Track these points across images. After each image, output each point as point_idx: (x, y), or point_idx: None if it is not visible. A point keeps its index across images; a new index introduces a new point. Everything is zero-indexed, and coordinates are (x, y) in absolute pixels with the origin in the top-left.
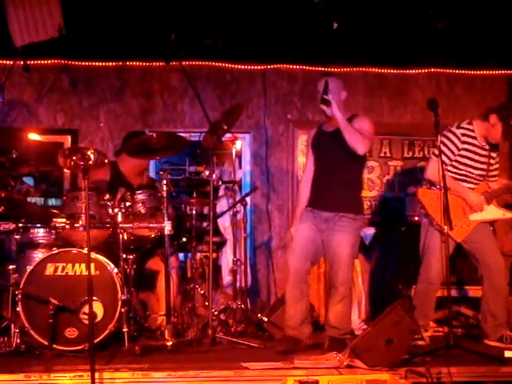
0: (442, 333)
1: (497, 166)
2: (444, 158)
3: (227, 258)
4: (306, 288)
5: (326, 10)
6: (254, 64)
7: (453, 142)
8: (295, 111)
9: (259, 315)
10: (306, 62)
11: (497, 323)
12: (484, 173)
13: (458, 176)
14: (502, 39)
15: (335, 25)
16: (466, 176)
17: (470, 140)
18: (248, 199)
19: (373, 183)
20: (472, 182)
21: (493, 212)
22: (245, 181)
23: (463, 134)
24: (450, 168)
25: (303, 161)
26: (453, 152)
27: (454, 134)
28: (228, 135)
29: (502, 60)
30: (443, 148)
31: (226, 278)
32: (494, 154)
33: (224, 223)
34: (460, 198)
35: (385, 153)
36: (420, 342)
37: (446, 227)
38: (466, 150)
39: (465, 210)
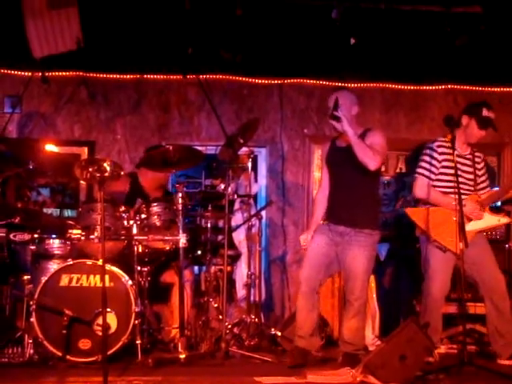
0: (456, 350)
1: (484, 177)
2: (428, 173)
3: (242, 271)
4: (318, 299)
5: (344, 25)
6: (271, 78)
7: (432, 156)
8: (312, 126)
9: (273, 329)
10: (323, 77)
11: (506, 342)
12: (471, 183)
13: (446, 189)
14: None
15: (353, 40)
16: (452, 188)
17: (447, 150)
18: (263, 213)
19: (388, 199)
20: (462, 194)
21: (488, 220)
22: (260, 195)
23: (439, 146)
24: (436, 183)
25: (319, 176)
26: (435, 166)
27: (431, 149)
28: (244, 149)
29: None
30: (425, 165)
31: (241, 292)
32: (479, 165)
33: (239, 237)
34: (450, 210)
35: (400, 168)
36: (430, 359)
37: (460, 244)
38: (446, 160)
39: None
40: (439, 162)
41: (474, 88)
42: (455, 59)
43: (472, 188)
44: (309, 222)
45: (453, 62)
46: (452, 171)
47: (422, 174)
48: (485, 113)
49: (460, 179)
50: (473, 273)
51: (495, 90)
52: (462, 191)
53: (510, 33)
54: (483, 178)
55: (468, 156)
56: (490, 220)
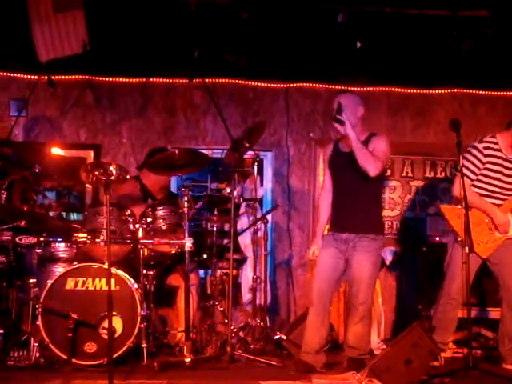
0: (462, 354)
1: None
2: (469, 173)
3: (247, 275)
4: (328, 317)
5: (350, 29)
6: (277, 82)
7: (476, 157)
8: (317, 130)
9: (278, 333)
10: (329, 81)
11: None
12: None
13: (484, 192)
14: None
15: (358, 44)
16: (492, 192)
17: (493, 153)
18: (269, 217)
19: (394, 203)
20: (499, 198)
21: None
22: (266, 199)
23: (486, 148)
24: (476, 183)
25: None
26: (477, 167)
27: (477, 149)
28: (250, 153)
29: None
30: (467, 164)
31: (246, 296)
32: None
33: (245, 241)
34: (485, 214)
35: (407, 172)
36: (435, 363)
37: (466, 248)
38: (490, 163)
39: (490, 227)
40: (483, 163)
41: (480, 92)
42: (461, 63)
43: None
44: (314, 228)
45: (459, 66)
46: (493, 175)
47: (464, 174)
48: None
49: (500, 183)
50: (497, 273)
51: (501, 94)
52: (501, 195)
53: None
54: None
55: None
56: None
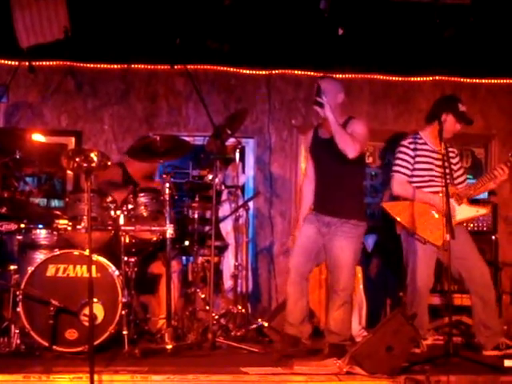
0: (442, 341)
1: (460, 172)
2: (403, 170)
3: (229, 262)
4: (307, 286)
5: (332, 16)
6: (259, 69)
7: (405, 153)
8: (299, 117)
9: (260, 320)
10: (311, 68)
11: (491, 333)
12: (447, 176)
13: (423, 184)
14: (507, 48)
15: (341, 31)
16: (430, 181)
17: (420, 146)
18: (250, 204)
19: (375, 190)
20: (438, 186)
21: (465, 211)
22: (248, 186)
23: (411, 143)
24: (414, 179)
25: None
26: (409, 162)
27: (404, 146)
28: (232, 140)
29: (507, 69)
30: (400, 162)
31: (228, 283)
32: (453, 160)
33: (226, 228)
34: (427, 204)
35: (388, 160)
36: (416, 350)
37: (447, 235)
38: (420, 155)
39: (437, 213)
40: (413, 157)
41: (462, 80)
42: (443, 51)
43: (448, 182)
44: (296, 215)
45: (441, 53)
46: (426, 166)
47: (399, 172)
48: (461, 107)
49: (435, 173)
50: (457, 266)
51: (483, 81)
52: (437, 186)
53: (498, 25)
54: (459, 173)
55: (440, 151)
56: (469, 211)
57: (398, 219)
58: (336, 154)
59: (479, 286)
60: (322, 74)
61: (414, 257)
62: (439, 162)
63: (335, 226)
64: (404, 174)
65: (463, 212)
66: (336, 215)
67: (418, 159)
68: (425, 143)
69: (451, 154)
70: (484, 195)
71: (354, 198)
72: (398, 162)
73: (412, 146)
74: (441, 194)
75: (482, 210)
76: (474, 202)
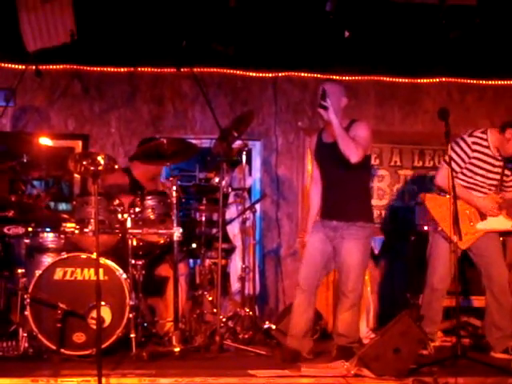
0: (450, 343)
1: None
2: (454, 165)
3: (236, 264)
4: (314, 299)
5: (338, 18)
6: (266, 71)
7: (463, 150)
8: (306, 119)
9: (267, 323)
10: (317, 70)
11: (502, 335)
12: (496, 183)
13: (467, 184)
14: None
15: (347, 33)
16: (475, 185)
17: (481, 149)
18: (257, 206)
19: (383, 192)
20: (481, 192)
21: (501, 222)
22: (254, 188)
23: (474, 143)
24: (460, 176)
25: None
26: (463, 160)
27: (465, 142)
28: (238, 142)
29: None
30: (453, 155)
31: (235, 285)
32: (510, 165)
33: (233, 230)
34: (468, 205)
35: (395, 162)
36: (424, 352)
37: (455, 237)
38: (476, 158)
39: (471, 218)
40: (469, 157)
41: (468, 81)
42: (449, 52)
43: (494, 188)
44: (304, 217)
45: (447, 54)
46: (477, 170)
47: (449, 164)
48: None
49: (484, 179)
50: (480, 263)
51: (489, 83)
52: (484, 189)
53: (505, 26)
54: (511, 180)
55: (500, 158)
56: (504, 223)
57: (432, 212)
58: (339, 158)
59: (496, 287)
60: (328, 77)
61: (436, 254)
62: (494, 169)
63: (342, 229)
64: (453, 169)
65: (498, 222)
66: (342, 219)
67: (473, 161)
68: (487, 147)
69: (508, 167)
70: None
71: (360, 200)
72: (452, 154)
73: (473, 147)
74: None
75: None
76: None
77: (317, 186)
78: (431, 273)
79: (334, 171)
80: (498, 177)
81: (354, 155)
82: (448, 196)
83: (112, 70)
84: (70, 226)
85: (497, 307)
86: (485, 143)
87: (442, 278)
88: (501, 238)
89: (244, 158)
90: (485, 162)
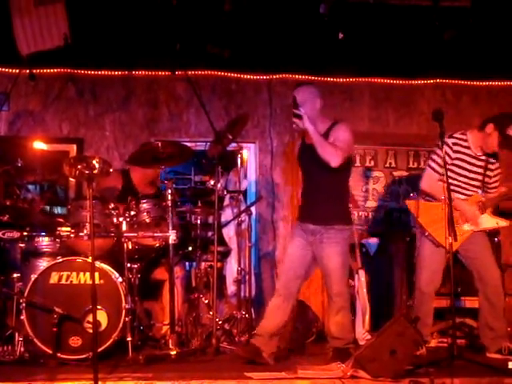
0: (446, 344)
1: (497, 178)
2: (437, 167)
3: (232, 267)
4: (290, 306)
5: (332, 20)
6: (260, 74)
7: (445, 152)
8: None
9: None
10: (311, 72)
11: (495, 335)
12: (478, 184)
13: (452, 187)
14: (507, 50)
15: (341, 35)
16: (458, 186)
17: (461, 149)
18: (253, 209)
19: (378, 194)
20: (465, 194)
21: (487, 221)
22: (250, 191)
23: (454, 144)
24: (443, 178)
25: None
26: (446, 162)
27: (446, 144)
28: (233, 145)
29: (507, 71)
30: (436, 158)
31: (231, 288)
32: (492, 166)
33: (229, 233)
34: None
35: (390, 163)
36: (418, 352)
37: (450, 238)
38: (458, 159)
39: (457, 220)
40: (451, 158)
41: (463, 82)
42: (443, 53)
43: (477, 190)
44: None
45: (441, 56)
46: (459, 171)
47: (433, 169)
48: (510, 131)
49: (467, 180)
50: (472, 266)
51: (483, 83)
52: (467, 191)
53: (498, 27)
54: (495, 184)
55: (482, 157)
56: (489, 222)
57: (417, 218)
58: (319, 161)
59: (488, 288)
60: (323, 79)
61: (424, 257)
62: (475, 169)
63: (320, 233)
64: (437, 171)
65: (484, 221)
66: (319, 223)
67: (455, 162)
68: (468, 147)
69: (491, 163)
70: None
71: (338, 203)
72: (435, 157)
73: (454, 148)
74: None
75: (502, 223)
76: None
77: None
78: (419, 276)
79: (313, 172)
80: (480, 177)
81: (333, 161)
82: (428, 200)
83: (106, 73)
84: (65, 230)
85: (489, 309)
86: (465, 143)
87: (429, 281)
88: (496, 239)
89: (239, 160)
90: (467, 162)
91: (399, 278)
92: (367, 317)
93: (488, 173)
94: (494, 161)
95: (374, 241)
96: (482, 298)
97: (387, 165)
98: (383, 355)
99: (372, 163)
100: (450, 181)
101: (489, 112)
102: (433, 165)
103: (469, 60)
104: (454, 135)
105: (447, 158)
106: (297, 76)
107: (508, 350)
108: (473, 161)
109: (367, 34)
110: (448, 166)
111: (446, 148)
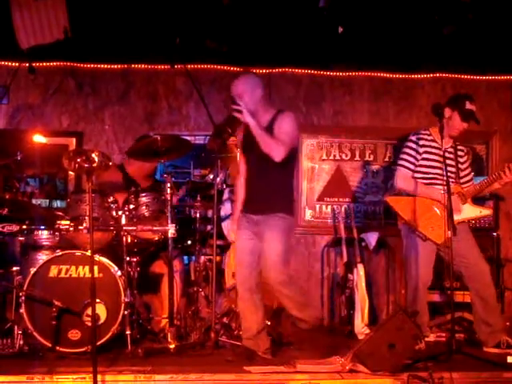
0: (445, 338)
1: (467, 171)
2: (408, 165)
3: (231, 261)
4: (259, 298)
5: (331, 14)
6: (259, 68)
7: (412, 148)
8: (300, 115)
9: None
10: (311, 66)
11: (492, 330)
12: (453, 175)
13: (427, 180)
14: (506, 44)
15: (340, 29)
16: (435, 179)
17: (427, 143)
18: None
19: (377, 188)
20: (443, 185)
21: (469, 211)
22: None
23: (419, 138)
24: (417, 175)
25: (308, 165)
26: (415, 157)
27: (411, 141)
28: (233, 138)
29: (506, 65)
30: (405, 156)
31: (230, 282)
32: (461, 159)
33: (228, 226)
34: (432, 200)
35: (389, 157)
36: (417, 347)
37: (449, 232)
38: (427, 152)
39: (441, 212)
40: (420, 154)
41: (462, 76)
42: (443, 48)
43: (453, 181)
44: (233, 209)
45: (441, 50)
46: (431, 163)
47: (404, 166)
48: (468, 105)
49: (439, 171)
50: (457, 264)
51: (483, 78)
52: (440, 184)
53: (498, 21)
54: (466, 172)
55: (450, 149)
56: (472, 211)
57: (401, 214)
58: (262, 154)
59: (478, 284)
60: (322, 73)
61: (414, 253)
62: (448, 161)
63: (264, 222)
64: (408, 168)
65: (466, 212)
66: (263, 213)
67: (424, 155)
68: (433, 140)
69: (460, 153)
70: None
71: (281, 194)
72: (403, 156)
73: (420, 142)
74: (442, 192)
75: (485, 211)
76: (478, 202)
77: (243, 180)
78: (410, 272)
79: (255, 163)
80: (453, 169)
81: (276, 154)
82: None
83: (106, 66)
84: (64, 224)
85: (482, 304)
86: (429, 137)
87: (421, 276)
88: (495, 234)
89: (238, 154)
90: (435, 154)
91: (398, 272)
92: (366, 311)
93: (459, 165)
94: (462, 154)
95: (373, 235)
96: (472, 295)
97: (386, 159)
98: (382, 349)
99: (371, 157)
100: (425, 175)
101: (488, 106)
102: (402, 162)
103: (468, 54)
104: (417, 132)
105: (415, 154)
106: (296, 70)
107: (506, 344)
108: (440, 152)
109: (366, 27)
110: (419, 162)
111: (411, 144)
